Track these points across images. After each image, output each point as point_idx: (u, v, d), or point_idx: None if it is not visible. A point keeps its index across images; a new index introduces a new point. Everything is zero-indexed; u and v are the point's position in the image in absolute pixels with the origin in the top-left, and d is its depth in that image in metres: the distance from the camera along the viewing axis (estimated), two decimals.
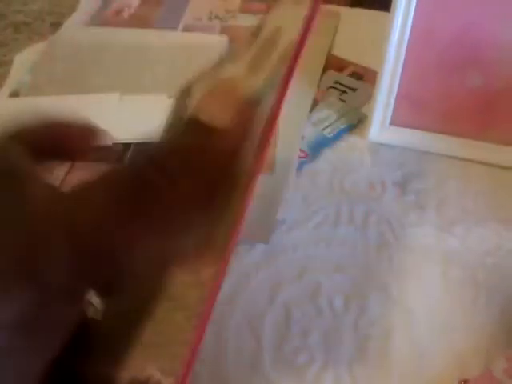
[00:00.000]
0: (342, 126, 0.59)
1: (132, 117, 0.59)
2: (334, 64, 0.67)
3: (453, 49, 0.52)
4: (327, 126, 0.59)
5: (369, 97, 0.60)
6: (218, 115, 0.22)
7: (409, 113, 0.56)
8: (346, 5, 0.74)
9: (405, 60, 0.53)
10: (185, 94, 0.28)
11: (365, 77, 0.64)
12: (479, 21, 0.50)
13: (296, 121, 0.59)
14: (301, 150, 0.56)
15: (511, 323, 0.43)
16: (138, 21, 0.72)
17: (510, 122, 0.54)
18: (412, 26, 0.51)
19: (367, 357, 0.42)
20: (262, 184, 0.54)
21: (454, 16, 0.50)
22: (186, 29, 0.72)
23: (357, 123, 0.59)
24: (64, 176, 0.55)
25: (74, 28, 0.72)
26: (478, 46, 0.51)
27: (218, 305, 0.45)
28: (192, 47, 0.68)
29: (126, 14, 0.73)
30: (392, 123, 0.57)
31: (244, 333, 0.43)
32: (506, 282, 0.46)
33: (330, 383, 0.41)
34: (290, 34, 0.33)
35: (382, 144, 0.57)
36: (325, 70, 0.66)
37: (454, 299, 0.45)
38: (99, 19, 0.73)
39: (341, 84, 0.64)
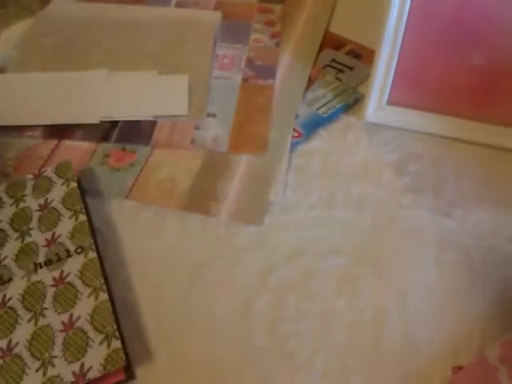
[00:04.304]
0: (338, 106, 0.57)
1: (120, 93, 0.57)
2: (331, 42, 0.65)
3: (452, 27, 0.50)
4: (322, 106, 0.57)
5: (366, 76, 0.58)
6: None
7: (407, 92, 0.54)
8: None
9: (403, 38, 0.51)
10: None
11: (363, 55, 0.63)
12: None
13: (290, 99, 0.58)
14: (295, 129, 0.55)
15: (506, 309, 0.42)
16: None
17: (509, 102, 0.52)
18: (411, 4, 0.49)
19: (359, 342, 0.41)
20: (254, 164, 0.53)
21: None
22: (179, 4, 0.69)
23: (353, 103, 0.57)
24: (49, 154, 0.53)
25: (63, 3, 0.69)
26: (479, 24, 0.50)
27: (208, 287, 0.44)
28: (185, 22, 0.66)
29: None
30: (389, 103, 0.55)
31: (235, 316, 0.42)
32: (502, 267, 0.45)
33: (321, 368, 0.40)
34: None
35: (378, 124, 0.55)
36: (321, 47, 0.64)
37: (449, 284, 0.44)
38: None
39: (338, 62, 0.62)
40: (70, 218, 0.46)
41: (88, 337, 0.40)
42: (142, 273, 0.45)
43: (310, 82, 0.60)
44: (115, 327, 0.40)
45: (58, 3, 0.69)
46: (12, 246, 0.45)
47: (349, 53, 0.63)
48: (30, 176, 0.50)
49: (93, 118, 0.55)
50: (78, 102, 0.57)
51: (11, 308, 0.41)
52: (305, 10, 0.69)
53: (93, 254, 0.44)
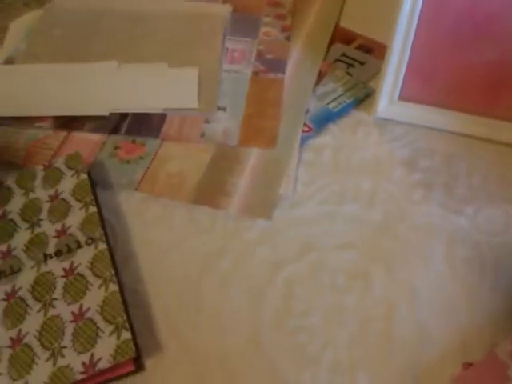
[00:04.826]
0: (348, 101, 0.57)
1: (130, 86, 0.57)
2: (341, 36, 0.64)
3: (465, 22, 0.50)
4: (333, 100, 0.57)
5: (377, 71, 0.58)
6: None
7: (418, 87, 0.54)
8: None
9: (416, 33, 0.51)
10: None
11: (374, 50, 0.62)
12: None
13: (301, 94, 0.57)
14: (305, 124, 0.54)
15: None
16: None
17: None
18: None
19: (368, 338, 0.41)
20: (264, 158, 0.53)
21: None
22: None
23: (364, 98, 0.57)
24: (58, 146, 0.53)
25: None
26: (492, 19, 0.49)
27: (217, 280, 0.44)
28: (194, 15, 0.66)
29: None
30: (401, 98, 0.55)
31: (244, 310, 0.42)
32: None
33: (329, 364, 0.40)
34: None
35: (389, 120, 0.55)
36: (332, 42, 0.63)
37: (460, 280, 0.44)
38: None
39: (348, 57, 0.62)
40: (80, 209, 0.46)
41: (98, 327, 0.40)
42: (152, 265, 0.45)
43: (321, 76, 0.59)
44: (125, 318, 0.40)
45: None
46: (22, 237, 0.45)
47: (359, 47, 0.63)
48: (40, 167, 0.49)
49: (102, 110, 0.55)
50: (87, 94, 0.56)
51: (21, 298, 0.41)
52: (315, 4, 0.68)
53: (103, 246, 0.44)
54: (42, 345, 0.39)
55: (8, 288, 0.42)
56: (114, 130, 0.54)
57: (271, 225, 0.47)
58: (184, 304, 0.43)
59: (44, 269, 0.43)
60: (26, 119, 0.55)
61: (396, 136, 0.54)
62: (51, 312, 0.41)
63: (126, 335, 0.39)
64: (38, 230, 0.45)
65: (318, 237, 0.46)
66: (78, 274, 0.42)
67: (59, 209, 0.47)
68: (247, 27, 0.65)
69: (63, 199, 0.47)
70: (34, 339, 0.39)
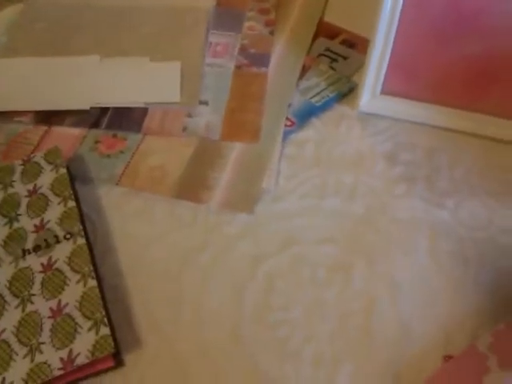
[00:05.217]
0: (331, 95, 0.56)
1: (112, 80, 0.57)
2: (325, 31, 0.64)
3: (449, 17, 0.50)
4: (316, 95, 0.56)
5: (360, 65, 0.58)
6: None
7: (401, 82, 0.54)
8: None
9: (398, 28, 0.51)
10: None
11: (357, 45, 0.62)
12: None
13: (283, 88, 0.57)
14: (288, 118, 0.54)
15: (499, 299, 0.42)
16: None
17: (506, 93, 0.52)
18: None
19: (349, 331, 0.41)
20: (246, 152, 0.52)
21: None
22: None
23: (347, 92, 0.57)
24: (38, 140, 0.53)
25: None
26: (477, 14, 0.49)
27: (198, 275, 0.44)
28: (177, 9, 0.65)
29: None
30: (383, 92, 0.55)
31: (225, 304, 0.42)
32: (496, 258, 0.45)
33: (311, 357, 0.40)
34: None
35: (372, 114, 0.55)
36: (315, 36, 0.63)
37: (442, 274, 0.44)
38: None
39: (332, 51, 0.62)
40: (59, 203, 0.46)
41: (76, 323, 0.39)
42: (132, 259, 0.44)
43: (304, 70, 0.59)
44: (104, 314, 0.39)
45: None
46: (0, 232, 0.44)
47: (343, 42, 0.63)
48: (19, 161, 0.49)
49: (83, 104, 0.54)
50: (68, 88, 0.56)
51: None
52: None
53: (82, 240, 0.43)
54: (20, 341, 0.39)
55: None
56: (95, 125, 0.53)
57: (253, 219, 0.47)
58: (164, 298, 0.42)
59: (22, 264, 0.42)
60: (6, 114, 0.54)
61: (378, 130, 0.54)
62: (29, 308, 0.40)
63: (105, 331, 0.39)
64: (16, 224, 0.45)
65: (299, 231, 0.46)
66: (57, 269, 0.42)
67: (38, 203, 0.46)
68: (231, 21, 0.65)
69: (42, 194, 0.46)
70: (11, 335, 0.39)
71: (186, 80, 0.57)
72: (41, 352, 0.38)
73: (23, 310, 0.40)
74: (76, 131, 0.53)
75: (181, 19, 0.64)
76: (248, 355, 0.40)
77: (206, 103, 0.55)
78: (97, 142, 0.52)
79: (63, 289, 0.41)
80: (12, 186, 0.47)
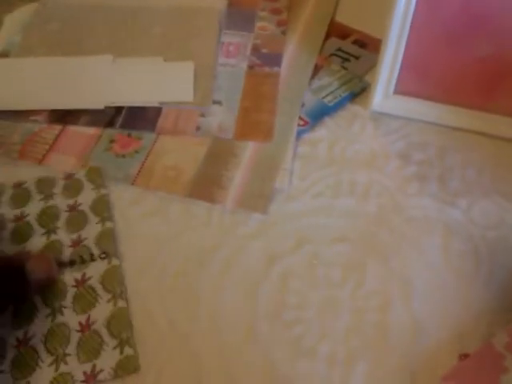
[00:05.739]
0: (344, 95, 0.57)
1: (125, 80, 0.57)
2: (337, 31, 0.64)
3: (461, 17, 0.50)
4: (328, 94, 0.57)
5: (372, 65, 0.58)
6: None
7: (413, 82, 0.54)
8: None
9: (410, 28, 0.51)
10: None
11: (368, 45, 0.62)
12: None
13: (296, 88, 0.57)
14: (301, 117, 0.55)
15: (511, 298, 0.42)
16: None
17: None
18: None
19: (364, 329, 0.41)
20: (260, 152, 0.53)
21: None
22: None
23: (359, 92, 0.57)
24: (53, 139, 0.53)
25: None
26: (488, 15, 0.49)
27: (213, 274, 0.44)
28: (190, 9, 0.66)
29: None
30: (396, 92, 0.55)
31: (239, 303, 0.42)
32: (508, 256, 0.45)
33: (326, 355, 0.40)
34: None
35: (384, 114, 0.55)
36: (327, 36, 0.63)
37: (455, 272, 0.44)
38: None
39: (344, 51, 0.62)
40: (97, 223, 0.47)
41: (103, 340, 0.40)
42: (147, 259, 0.45)
43: (316, 70, 0.59)
44: (130, 335, 0.40)
45: None
46: (37, 242, 0.45)
47: (355, 42, 0.63)
48: (61, 175, 0.50)
49: (97, 104, 0.55)
50: (82, 88, 0.56)
51: (31, 301, 0.42)
52: None
53: (116, 262, 0.44)
54: (47, 349, 0.40)
55: None
56: (109, 124, 0.54)
57: (267, 218, 0.47)
58: (180, 297, 0.43)
59: None
60: (21, 113, 0.55)
61: (391, 130, 0.54)
62: (59, 319, 0.41)
63: (130, 351, 0.39)
64: (53, 237, 0.46)
65: (313, 230, 0.47)
66: (90, 286, 0.43)
67: (77, 220, 0.47)
68: (243, 21, 0.65)
69: (82, 211, 0.47)
70: (39, 343, 0.40)
71: (199, 80, 0.57)
72: (66, 363, 0.39)
73: (53, 320, 0.41)
74: (91, 130, 0.53)
75: (193, 19, 0.64)
76: (263, 354, 0.40)
77: (219, 103, 0.56)
78: (112, 141, 0.53)
79: (94, 306, 0.42)
80: (52, 198, 0.48)
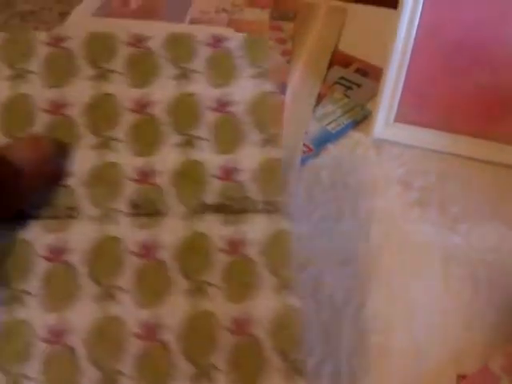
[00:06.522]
0: (347, 122, 0.59)
1: None
2: (339, 60, 0.67)
3: (461, 47, 0.52)
4: (331, 122, 0.59)
5: (374, 93, 0.60)
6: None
7: (414, 110, 0.56)
8: (352, 1, 0.74)
9: (411, 57, 0.53)
10: None
11: (370, 73, 0.64)
12: (489, 18, 0.50)
13: (301, 115, 0.59)
14: (305, 144, 0.56)
15: (510, 319, 0.43)
16: (145, 12, 0.72)
17: None
18: (419, 23, 0.51)
19: (366, 351, 0.42)
20: None
21: (463, 13, 0.50)
22: (193, 21, 0.71)
23: (361, 119, 0.59)
24: None
25: (81, 18, 0.72)
26: (487, 45, 0.51)
27: None
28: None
29: (133, 5, 0.73)
30: (397, 120, 0.57)
31: None
32: (507, 281, 0.46)
33: (329, 376, 0.41)
34: None
35: (386, 140, 0.57)
36: (331, 65, 0.66)
37: (454, 296, 0.45)
38: (106, 9, 0.73)
39: (346, 80, 0.64)
40: (262, 146, 0.29)
41: (263, 357, 0.25)
42: None
43: (320, 98, 0.61)
44: (303, 357, 0.26)
45: (77, 18, 0.72)
46: (173, 158, 0.27)
47: (357, 71, 0.65)
48: (201, 39, 0.31)
49: None
50: None
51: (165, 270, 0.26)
52: (314, 29, 0.71)
53: (286, 224, 0.28)
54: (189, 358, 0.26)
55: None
56: None
57: None
58: None
59: (197, 226, 0.26)
60: None
61: (392, 156, 0.56)
62: (202, 304, 0.26)
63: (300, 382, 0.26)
64: (195, 154, 0.28)
65: (315, 253, 0.48)
66: (248, 258, 0.26)
67: (228, 132, 0.28)
68: None
69: (233, 114, 0.29)
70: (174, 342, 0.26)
71: None
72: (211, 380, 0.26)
73: (194, 306, 0.26)
74: None
75: None
76: None
77: None
78: None
79: (252, 294, 0.26)
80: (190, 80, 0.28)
